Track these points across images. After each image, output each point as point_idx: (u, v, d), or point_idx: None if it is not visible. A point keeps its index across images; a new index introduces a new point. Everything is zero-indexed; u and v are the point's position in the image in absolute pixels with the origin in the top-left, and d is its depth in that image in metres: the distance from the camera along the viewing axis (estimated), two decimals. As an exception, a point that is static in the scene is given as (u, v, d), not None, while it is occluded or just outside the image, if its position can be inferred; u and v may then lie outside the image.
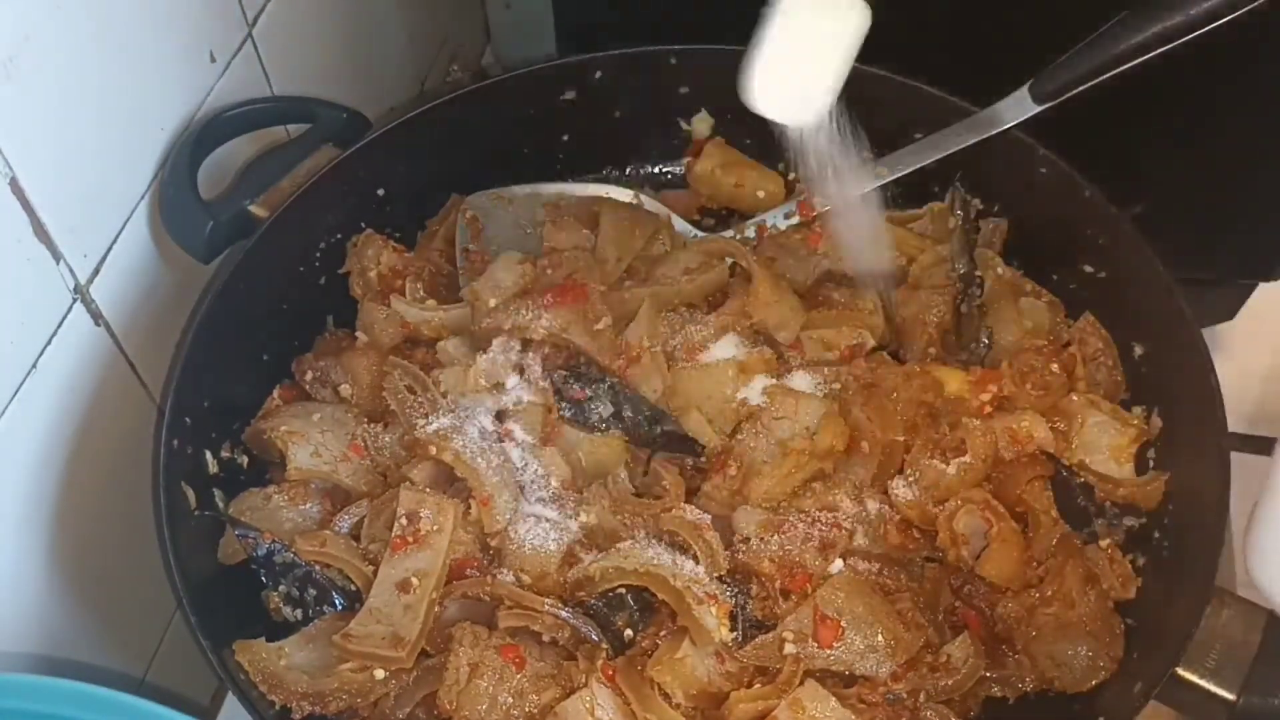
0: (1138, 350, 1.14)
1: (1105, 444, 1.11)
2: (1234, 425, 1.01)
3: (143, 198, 1.05)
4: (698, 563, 1.01)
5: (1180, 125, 1.26)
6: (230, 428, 1.12)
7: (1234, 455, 1.00)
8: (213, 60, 1.11)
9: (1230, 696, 0.93)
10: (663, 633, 1.01)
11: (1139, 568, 1.06)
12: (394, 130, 1.21)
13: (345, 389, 1.15)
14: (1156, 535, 1.07)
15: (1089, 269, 1.18)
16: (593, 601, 1.01)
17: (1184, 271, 1.10)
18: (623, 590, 1.00)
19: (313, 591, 1.03)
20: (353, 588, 1.02)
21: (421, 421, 1.06)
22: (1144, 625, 1.02)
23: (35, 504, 0.98)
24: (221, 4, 1.11)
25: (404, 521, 1.01)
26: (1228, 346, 1.40)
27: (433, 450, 1.03)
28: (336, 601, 1.03)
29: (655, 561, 0.99)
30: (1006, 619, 1.03)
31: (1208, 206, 1.33)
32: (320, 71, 1.31)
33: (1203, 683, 0.93)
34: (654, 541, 1.03)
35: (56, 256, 0.94)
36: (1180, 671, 0.93)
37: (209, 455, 1.08)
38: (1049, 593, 1.02)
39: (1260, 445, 1.45)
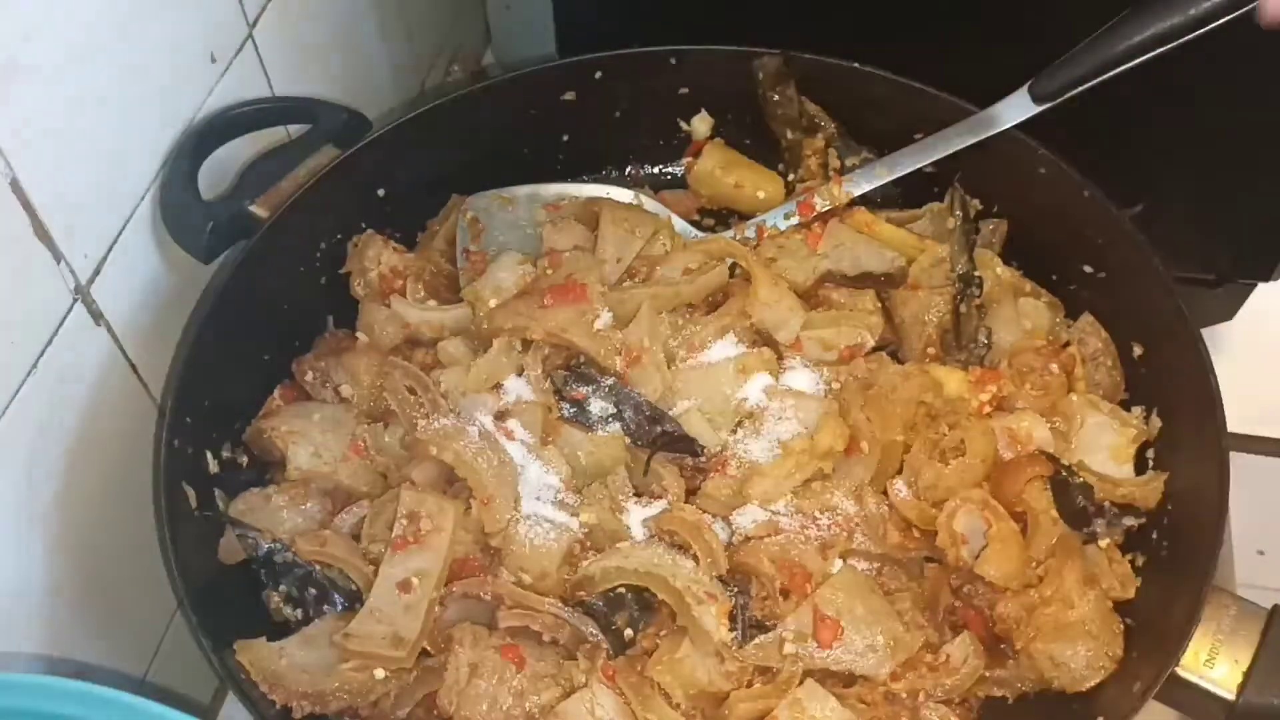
0: (1137, 350, 1.14)
1: (1104, 444, 1.11)
2: (1234, 425, 1.01)
3: (143, 198, 1.05)
4: (698, 563, 1.01)
5: (1179, 125, 1.26)
6: (230, 428, 1.12)
7: (1234, 455, 1.00)
8: (213, 60, 1.11)
9: (1230, 696, 0.93)
10: (663, 633, 1.01)
11: (1138, 568, 1.06)
12: (394, 130, 1.21)
13: (346, 389, 1.15)
14: (1156, 535, 1.07)
15: (1089, 269, 1.18)
16: (593, 601, 1.01)
17: (1184, 271, 1.11)
18: (623, 590, 1.00)
19: (313, 591, 1.03)
20: (353, 588, 1.02)
21: (422, 422, 1.06)
22: (1144, 625, 1.02)
23: (35, 504, 0.98)
24: (221, 4, 1.11)
25: (404, 521, 1.01)
26: (1228, 346, 1.39)
27: (433, 450, 1.03)
28: (337, 601, 1.03)
29: (655, 561, 0.99)
30: (1006, 619, 1.03)
31: (1208, 206, 1.33)
32: (320, 71, 1.31)
33: (1202, 683, 0.93)
34: (654, 541, 1.03)
35: (57, 256, 0.94)
36: (1180, 671, 0.93)
37: (209, 455, 1.08)
38: (1048, 593, 1.02)
39: (1260, 445, 1.46)
